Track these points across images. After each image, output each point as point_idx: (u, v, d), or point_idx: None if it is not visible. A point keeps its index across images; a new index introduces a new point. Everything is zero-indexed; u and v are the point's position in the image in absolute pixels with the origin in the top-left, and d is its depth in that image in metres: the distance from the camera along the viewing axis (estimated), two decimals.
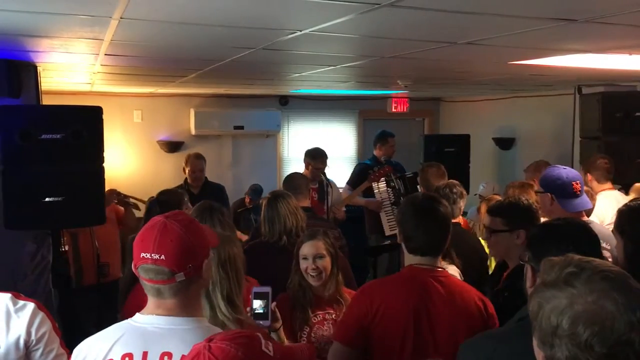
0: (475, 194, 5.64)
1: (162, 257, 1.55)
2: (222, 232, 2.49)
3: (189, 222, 1.65)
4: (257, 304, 2.21)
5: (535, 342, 1.22)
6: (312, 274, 2.65)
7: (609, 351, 1.09)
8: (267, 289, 2.24)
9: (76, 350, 1.63)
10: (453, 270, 2.88)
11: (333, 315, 2.68)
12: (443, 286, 2.23)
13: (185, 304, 1.61)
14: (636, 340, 1.09)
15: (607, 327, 1.09)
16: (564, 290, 1.15)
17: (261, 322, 2.18)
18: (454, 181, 3.84)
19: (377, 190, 5.48)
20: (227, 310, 2.04)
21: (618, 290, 1.12)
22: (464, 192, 3.75)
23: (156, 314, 1.61)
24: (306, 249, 2.69)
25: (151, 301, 1.63)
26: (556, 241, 1.79)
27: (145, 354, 1.54)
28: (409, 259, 2.28)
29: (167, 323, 1.59)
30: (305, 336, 2.63)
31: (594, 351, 1.09)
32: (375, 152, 5.93)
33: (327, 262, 2.67)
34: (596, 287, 1.13)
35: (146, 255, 1.56)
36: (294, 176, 4.09)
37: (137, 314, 1.65)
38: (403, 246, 2.31)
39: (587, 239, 1.87)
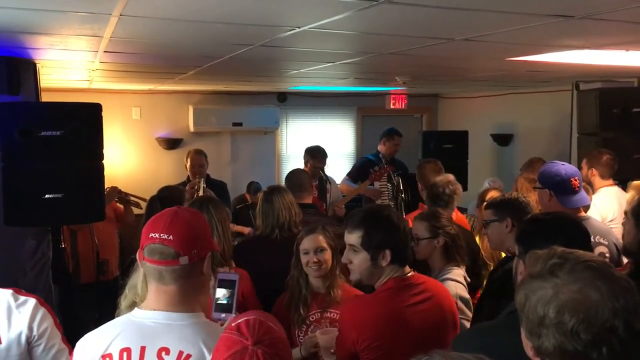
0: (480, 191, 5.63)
1: (171, 237, 1.59)
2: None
3: (199, 214, 1.74)
4: (221, 294, 1.91)
5: (523, 333, 1.25)
6: (313, 267, 2.65)
7: (594, 338, 1.12)
8: (235, 277, 1.97)
9: (78, 345, 1.65)
10: (456, 275, 2.87)
11: (332, 315, 2.65)
12: (421, 295, 2.18)
13: (185, 294, 1.63)
14: (620, 327, 1.12)
15: (591, 314, 1.12)
16: (549, 280, 1.19)
17: (223, 315, 1.86)
18: (448, 177, 3.81)
19: (377, 185, 5.60)
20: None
21: (601, 279, 1.16)
22: (458, 189, 3.74)
23: (155, 309, 1.63)
24: (307, 243, 2.70)
25: (152, 289, 1.65)
26: (545, 235, 1.81)
27: (143, 349, 1.56)
28: (388, 271, 2.16)
29: (165, 318, 1.61)
30: (302, 335, 2.62)
31: (580, 338, 1.12)
32: (379, 148, 5.98)
33: (327, 255, 2.68)
34: (580, 277, 1.16)
35: (155, 235, 1.60)
36: (297, 173, 4.07)
37: (136, 308, 1.68)
38: (372, 258, 2.14)
39: (576, 232, 1.89)
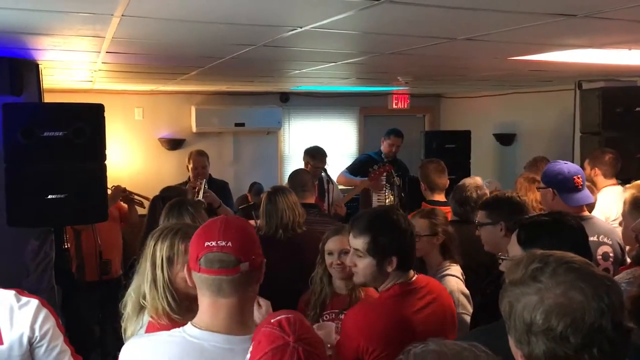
0: None
1: (229, 244, 1.51)
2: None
3: (245, 220, 1.69)
4: None
5: (512, 342, 1.23)
6: (336, 268, 2.63)
7: (583, 341, 1.11)
8: None
9: (126, 356, 1.57)
10: (455, 271, 2.89)
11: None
12: (425, 298, 2.18)
13: (242, 308, 1.56)
14: (607, 327, 1.11)
15: (578, 317, 1.11)
16: (532, 286, 1.17)
17: None
18: (477, 181, 3.67)
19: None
20: None
21: (583, 280, 1.14)
22: (487, 195, 3.51)
23: (214, 330, 1.54)
24: (332, 244, 2.66)
25: (207, 304, 1.56)
26: (548, 237, 1.80)
27: None
28: (393, 276, 2.14)
29: (226, 342, 1.52)
30: None
31: (570, 342, 1.11)
32: (382, 147, 6.01)
33: None
34: (562, 279, 1.15)
35: (211, 244, 1.52)
36: (299, 172, 4.09)
37: (190, 325, 1.57)
38: (383, 262, 2.11)
39: (575, 232, 1.87)
